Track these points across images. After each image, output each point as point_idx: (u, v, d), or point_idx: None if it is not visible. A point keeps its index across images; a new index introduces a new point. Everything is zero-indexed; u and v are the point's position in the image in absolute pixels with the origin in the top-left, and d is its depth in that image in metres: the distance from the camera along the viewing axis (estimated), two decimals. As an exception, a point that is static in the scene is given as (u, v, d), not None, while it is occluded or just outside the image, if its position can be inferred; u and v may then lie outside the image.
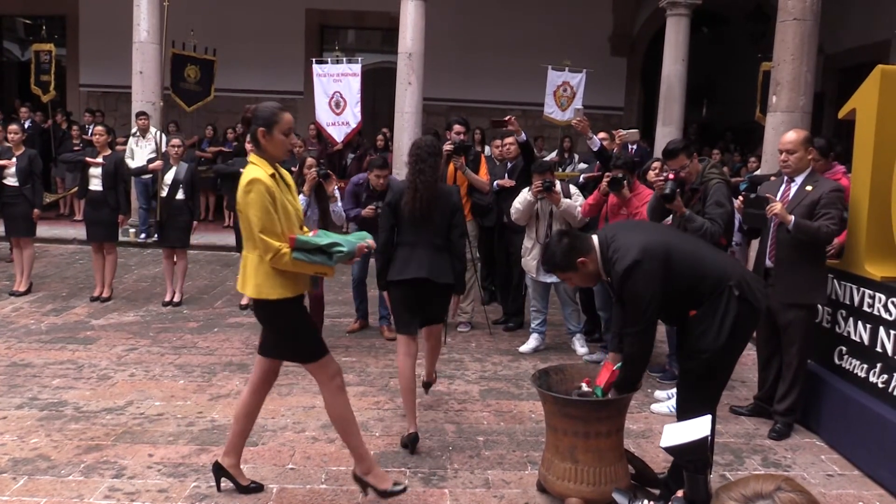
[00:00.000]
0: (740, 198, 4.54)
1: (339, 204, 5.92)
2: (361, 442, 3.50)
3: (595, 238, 3.36)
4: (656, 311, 3.21)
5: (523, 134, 6.36)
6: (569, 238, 3.37)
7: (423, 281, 4.13)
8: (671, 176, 4.60)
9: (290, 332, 3.38)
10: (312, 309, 6.02)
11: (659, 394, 5.10)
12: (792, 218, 4.18)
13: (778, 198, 4.39)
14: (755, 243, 5.02)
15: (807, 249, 4.31)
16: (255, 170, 3.22)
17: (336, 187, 5.86)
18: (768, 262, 4.49)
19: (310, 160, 5.75)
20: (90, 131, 11.45)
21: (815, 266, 4.39)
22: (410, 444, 4.05)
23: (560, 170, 10.40)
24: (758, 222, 4.48)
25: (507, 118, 6.18)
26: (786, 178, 4.45)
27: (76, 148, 11.69)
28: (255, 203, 3.14)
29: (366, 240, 3.43)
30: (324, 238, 3.25)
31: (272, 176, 3.23)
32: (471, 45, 13.88)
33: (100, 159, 7.23)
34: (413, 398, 4.15)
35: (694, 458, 2.21)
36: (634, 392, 3.49)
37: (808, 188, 4.28)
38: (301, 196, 5.69)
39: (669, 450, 2.22)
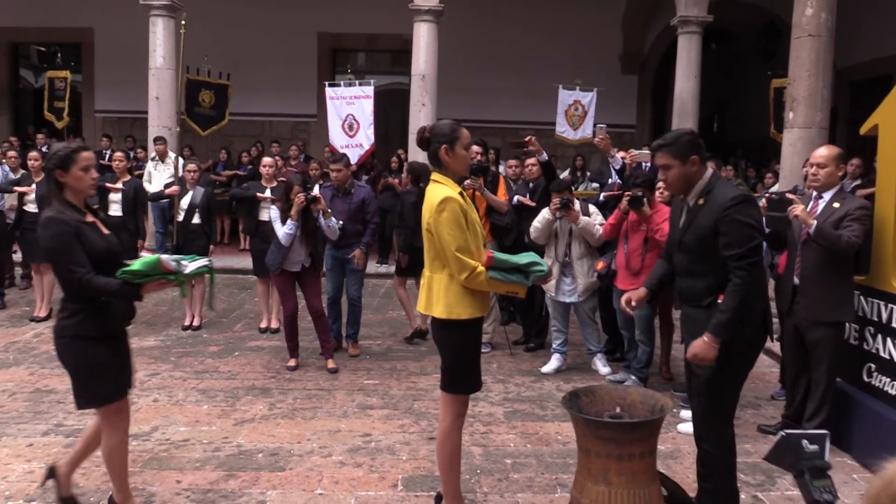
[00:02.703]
0: (763, 201, 4.54)
1: (334, 219, 5.97)
2: (458, 482, 3.46)
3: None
4: (760, 248, 3.10)
5: (544, 153, 6.37)
6: (696, 137, 3.28)
7: None
8: None
9: (468, 355, 3.35)
10: (316, 327, 6.03)
11: (685, 413, 5.05)
12: (814, 222, 4.18)
13: (805, 214, 4.38)
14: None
15: (833, 266, 4.29)
16: (444, 188, 3.20)
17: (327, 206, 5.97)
18: (795, 280, 4.46)
19: (296, 187, 5.80)
20: (107, 156, 11.57)
21: (841, 283, 4.36)
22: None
23: (574, 188, 10.40)
24: (781, 225, 4.47)
25: (527, 139, 6.19)
26: (814, 194, 4.43)
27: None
28: (450, 221, 3.12)
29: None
30: (522, 257, 3.24)
31: (459, 193, 3.23)
32: (482, 66, 13.96)
33: (119, 185, 7.29)
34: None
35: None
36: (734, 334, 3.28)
37: (836, 205, 4.26)
38: (289, 220, 5.72)
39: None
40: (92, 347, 3.15)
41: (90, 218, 3.25)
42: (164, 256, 3.14)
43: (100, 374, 3.17)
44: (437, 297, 3.26)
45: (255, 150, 12.89)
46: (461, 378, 3.36)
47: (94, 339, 3.16)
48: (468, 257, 3.14)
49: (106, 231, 3.31)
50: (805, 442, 2.02)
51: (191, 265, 3.23)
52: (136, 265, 3.09)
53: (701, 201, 3.20)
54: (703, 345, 3.16)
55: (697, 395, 3.44)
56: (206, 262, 3.29)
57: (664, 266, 3.63)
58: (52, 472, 3.56)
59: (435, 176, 3.29)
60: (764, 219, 4.54)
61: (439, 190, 3.20)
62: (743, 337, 3.16)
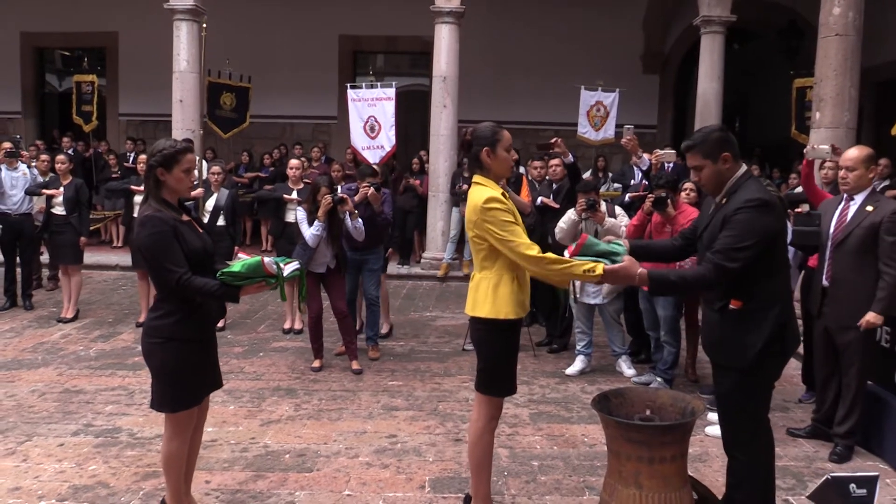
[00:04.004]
0: (791, 215, 4.49)
1: (360, 220, 5.98)
2: (489, 484, 3.47)
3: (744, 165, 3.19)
4: (747, 258, 2.93)
5: (570, 155, 6.35)
6: (726, 133, 3.16)
7: None
8: None
9: (506, 357, 3.39)
10: (341, 328, 6.04)
11: (713, 416, 4.99)
12: (881, 318, 4.14)
13: (836, 217, 4.34)
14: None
15: (864, 270, 4.23)
16: (487, 190, 3.22)
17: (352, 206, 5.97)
18: (824, 282, 4.41)
19: (324, 188, 5.83)
20: (132, 159, 11.69)
21: (872, 286, 4.28)
22: None
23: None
24: (809, 239, 4.42)
25: (553, 140, 6.16)
26: (844, 196, 4.38)
27: (114, 175, 11.91)
28: (497, 218, 3.15)
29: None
30: (603, 244, 3.23)
31: (503, 195, 3.25)
32: (504, 67, 13.92)
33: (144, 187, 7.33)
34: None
35: None
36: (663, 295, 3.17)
37: (869, 208, 4.20)
38: (316, 222, 5.74)
39: None
40: (182, 351, 3.10)
41: (186, 217, 3.20)
42: (267, 259, 3.07)
43: (181, 379, 3.13)
44: (482, 298, 3.28)
45: (278, 152, 12.96)
46: (497, 380, 3.38)
47: (187, 342, 3.12)
48: (525, 241, 3.15)
49: (200, 230, 3.26)
50: (853, 486, 1.94)
51: (286, 268, 3.17)
52: (236, 266, 3.03)
53: (724, 200, 3.11)
54: (630, 271, 3.02)
55: (719, 405, 3.41)
56: (298, 266, 3.26)
57: (668, 240, 3.56)
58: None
59: (477, 178, 3.29)
60: (791, 232, 4.49)
61: (482, 191, 3.21)
62: (757, 349, 3.04)
